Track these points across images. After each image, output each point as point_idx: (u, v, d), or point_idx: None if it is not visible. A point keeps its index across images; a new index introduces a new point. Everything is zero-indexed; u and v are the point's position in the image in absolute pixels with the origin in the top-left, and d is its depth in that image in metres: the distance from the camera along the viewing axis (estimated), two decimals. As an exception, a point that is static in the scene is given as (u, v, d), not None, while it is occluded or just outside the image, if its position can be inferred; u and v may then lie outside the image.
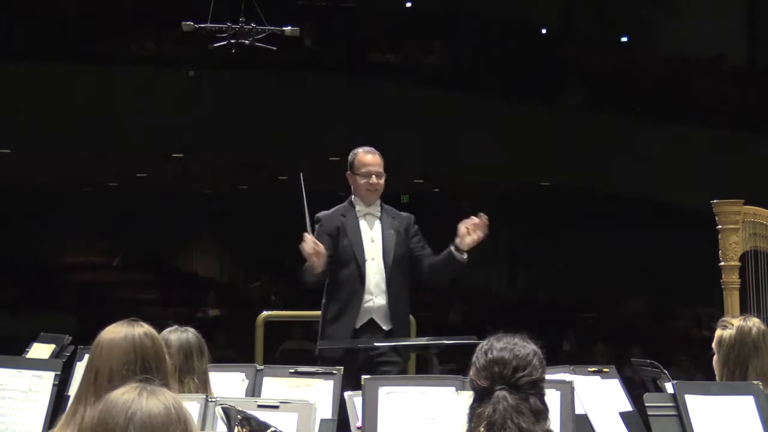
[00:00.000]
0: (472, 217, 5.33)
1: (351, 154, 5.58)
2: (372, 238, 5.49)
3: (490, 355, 2.84)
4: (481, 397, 2.82)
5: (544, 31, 19.45)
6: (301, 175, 5.36)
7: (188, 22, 6.61)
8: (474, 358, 2.88)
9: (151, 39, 15.26)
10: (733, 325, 4.09)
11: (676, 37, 17.63)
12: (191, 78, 13.50)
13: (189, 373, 3.72)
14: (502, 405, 2.76)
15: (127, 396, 2.21)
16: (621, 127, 15.67)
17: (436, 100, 15.13)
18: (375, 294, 5.42)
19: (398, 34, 16.79)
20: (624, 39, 19.37)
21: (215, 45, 6.71)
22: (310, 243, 5.20)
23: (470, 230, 5.31)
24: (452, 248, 5.35)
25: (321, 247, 5.21)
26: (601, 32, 18.99)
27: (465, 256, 5.35)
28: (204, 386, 3.73)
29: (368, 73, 15.59)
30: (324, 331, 5.46)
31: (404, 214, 5.65)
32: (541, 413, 2.80)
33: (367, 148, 5.59)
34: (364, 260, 5.42)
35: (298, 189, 5.25)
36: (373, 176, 5.49)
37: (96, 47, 14.81)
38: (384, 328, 5.41)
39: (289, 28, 6.71)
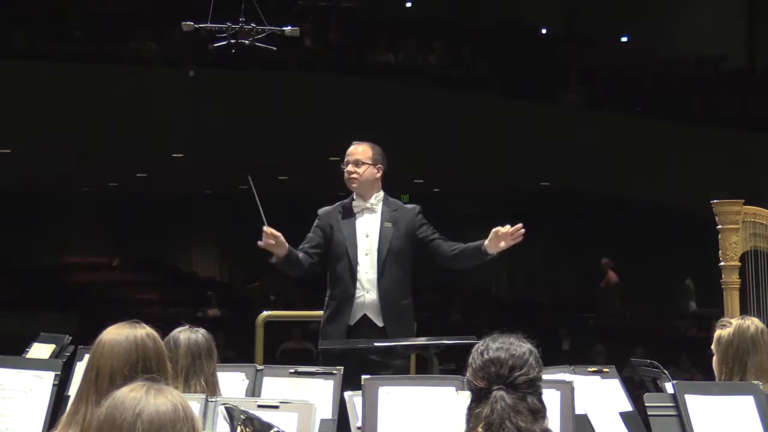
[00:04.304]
0: (508, 226, 5.29)
1: None
2: (367, 233, 5.47)
3: (486, 356, 2.84)
4: (479, 397, 2.82)
5: (544, 31, 19.46)
6: (250, 177, 5.45)
7: (188, 22, 6.60)
8: (470, 359, 2.88)
9: (151, 39, 15.26)
10: (731, 324, 4.10)
11: (676, 37, 17.64)
12: (191, 78, 13.51)
13: (195, 375, 3.71)
14: (499, 405, 2.76)
15: (134, 394, 2.22)
16: (621, 127, 15.67)
17: (435, 100, 15.13)
18: (367, 289, 5.40)
19: (398, 34, 16.80)
20: (624, 39, 19.38)
21: (215, 45, 6.70)
22: (265, 234, 5.26)
23: (502, 237, 5.28)
24: (484, 245, 5.33)
25: (274, 235, 5.24)
26: (601, 32, 19.00)
27: (495, 253, 5.34)
28: (211, 388, 3.71)
29: (368, 73, 15.59)
30: (323, 329, 5.47)
31: (409, 206, 5.62)
32: (539, 412, 2.80)
33: (356, 141, 5.62)
34: (356, 255, 5.41)
35: (250, 189, 5.35)
36: (350, 165, 5.50)
37: (96, 47, 14.82)
38: (378, 324, 5.39)
39: (289, 28, 6.69)
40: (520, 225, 5.28)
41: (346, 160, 5.53)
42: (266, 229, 5.27)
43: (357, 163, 5.50)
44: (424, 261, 5.58)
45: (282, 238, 5.28)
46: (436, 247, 5.50)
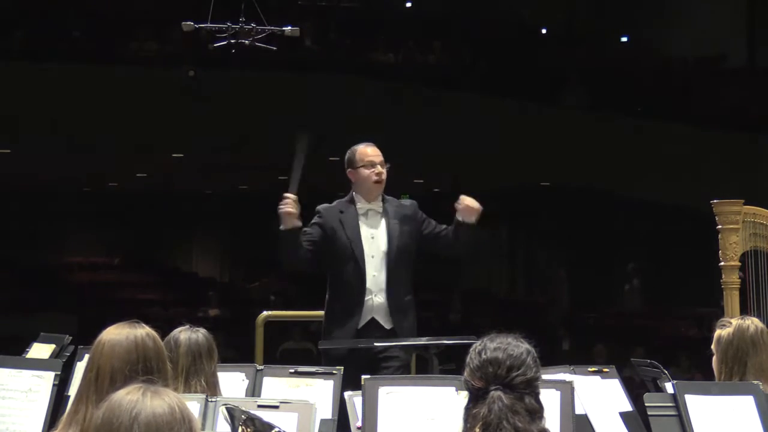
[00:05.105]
0: (468, 201, 5.37)
1: (349, 151, 5.54)
2: (372, 234, 5.43)
3: (484, 356, 2.84)
4: (476, 397, 2.82)
5: (544, 31, 19.46)
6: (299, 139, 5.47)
7: (188, 22, 6.61)
8: (468, 359, 2.88)
9: (151, 39, 15.26)
10: (731, 324, 4.11)
11: (676, 37, 17.64)
12: (191, 78, 13.51)
13: (196, 375, 3.71)
14: (497, 405, 2.76)
15: (131, 396, 2.22)
16: (621, 127, 15.67)
17: (435, 100, 15.13)
18: (375, 292, 5.38)
19: (398, 34, 16.79)
20: (624, 39, 19.38)
21: (215, 45, 6.70)
22: (287, 199, 5.26)
23: (463, 212, 5.38)
24: (456, 219, 5.42)
25: (293, 202, 5.25)
26: (601, 32, 19.00)
27: (471, 219, 5.41)
28: (212, 389, 3.71)
29: (368, 73, 15.58)
30: (327, 332, 5.43)
31: (406, 202, 5.58)
32: (536, 412, 2.80)
33: (365, 143, 5.56)
34: (363, 258, 5.37)
35: (300, 151, 5.34)
36: (378, 165, 5.45)
37: (96, 47, 14.81)
38: (386, 327, 5.37)
39: (289, 28, 6.70)
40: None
41: (370, 160, 5.45)
42: (288, 194, 5.28)
43: (383, 165, 5.48)
44: (428, 257, 5.60)
45: (297, 212, 5.27)
46: (441, 239, 5.51)
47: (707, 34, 17.03)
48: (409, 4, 19.71)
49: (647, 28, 18.36)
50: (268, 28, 6.60)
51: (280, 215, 5.28)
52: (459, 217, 5.40)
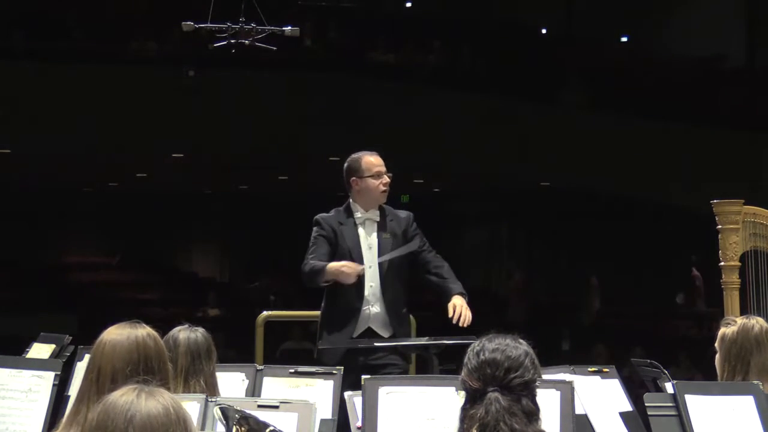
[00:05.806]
0: (458, 314, 5.32)
1: (353, 160, 5.45)
2: (370, 245, 5.40)
3: (481, 357, 2.83)
4: (473, 398, 2.81)
5: (544, 31, 19.46)
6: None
7: (188, 22, 6.60)
8: (465, 359, 2.87)
9: (151, 39, 15.26)
10: (736, 322, 4.11)
11: (676, 37, 17.64)
12: (191, 78, 13.52)
13: (195, 375, 3.70)
14: (494, 407, 2.75)
15: (125, 398, 2.21)
16: (621, 127, 15.67)
17: (435, 100, 15.13)
18: (372, 302, 5.36)
19: (398, 34, 16.79)
20: (624, 39, 19.38)
21: (215, 45, 6.70)
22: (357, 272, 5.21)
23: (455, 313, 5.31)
24: (448, 300, 5.36)
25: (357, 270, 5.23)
26: (601, 32, 19.00)
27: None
28: (211, 389, 3.70)
29: (368, 73, 15.59)
30: (322, 338, 5.39)
31: (402, 213, 5.54)
32: (533, 414, 2.79)
33: (367, 152, 5.48)
34: (362, 268, 5.35)
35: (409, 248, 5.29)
36: (385, 176, 5.41)
37: (96, 47, 14.81)
38: (383, 335, 5.36)
39: (289, 28, 6.69)
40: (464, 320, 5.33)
41: (378, 170, 5.40)
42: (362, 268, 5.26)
43: (388, 175, 5.44)
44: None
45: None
46: (422, 260, 5.48)
47: (707, 34, 17.03)
48: (409, 4, 19.71)
49: (647, 28, 18.35)
50: (268, 28, 6.60)
51: (339, 272, 5.19)
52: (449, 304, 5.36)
